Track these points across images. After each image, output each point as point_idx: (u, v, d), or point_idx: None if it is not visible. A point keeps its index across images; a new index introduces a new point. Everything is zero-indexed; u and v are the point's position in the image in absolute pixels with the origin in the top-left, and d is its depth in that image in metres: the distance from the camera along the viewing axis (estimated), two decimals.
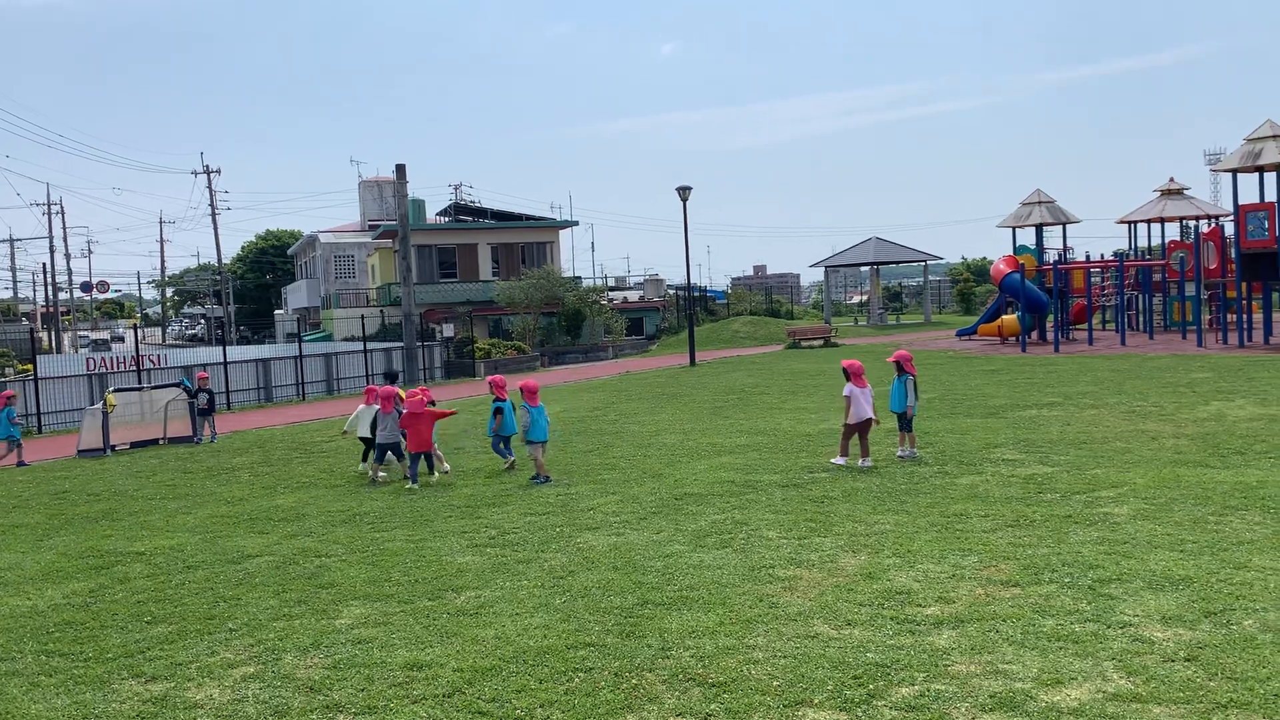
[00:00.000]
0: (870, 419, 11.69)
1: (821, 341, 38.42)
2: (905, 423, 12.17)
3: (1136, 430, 13.25)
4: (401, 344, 34.89)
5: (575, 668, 5.70)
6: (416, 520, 10.23)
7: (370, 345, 34.42)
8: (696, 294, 57.65)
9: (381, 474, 12.88)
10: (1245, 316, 27.87)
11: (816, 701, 5.05)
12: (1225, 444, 11.83)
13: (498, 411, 13.00)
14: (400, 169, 34.86)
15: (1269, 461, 10.66)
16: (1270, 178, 26.24)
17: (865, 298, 70.98)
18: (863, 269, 64.08)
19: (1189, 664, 5.26)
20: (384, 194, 60.21)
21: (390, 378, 15.73)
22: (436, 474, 12.55)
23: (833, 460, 11.82)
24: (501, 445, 13.16)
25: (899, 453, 12.11)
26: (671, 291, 59.59)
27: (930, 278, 61.06)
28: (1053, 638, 5.73)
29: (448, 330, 42.45)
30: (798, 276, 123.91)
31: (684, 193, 33.84)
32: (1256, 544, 7.41)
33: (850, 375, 11.86)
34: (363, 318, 36.71)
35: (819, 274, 64.74)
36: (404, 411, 12.59)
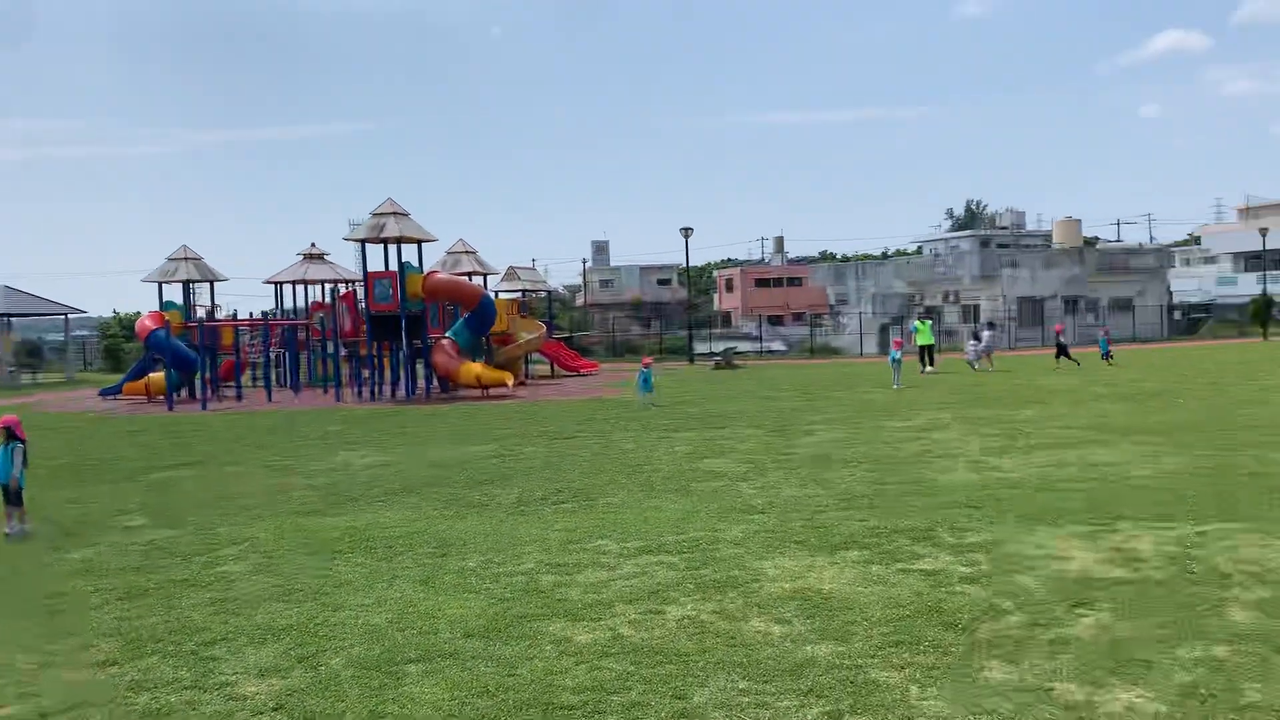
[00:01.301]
0: None
1: None
2: (13, 496, 10.79)
3: (265, 486, 13.64)
4: None
5: None
6: None
7: None
8: None
9: None
10: (376, 373, 30.99)
11: None
12: (346, 491, 12.81)
13: None
14: None
15: (380, 505, 11.80)
16: (394, 249, 29.63)
17: None
18: None
19: (276, 713, 5.44)
20: None
21: None
22: None
23: None
24: None
25: (6, 530, 10.69)
26: None
27: (77, 333, 56.18)
28: (146, 714, 5.46)
29: None
30: None
31: None
32: (352, 584, 8.07)
33: None
34: None
35: None
36: None
